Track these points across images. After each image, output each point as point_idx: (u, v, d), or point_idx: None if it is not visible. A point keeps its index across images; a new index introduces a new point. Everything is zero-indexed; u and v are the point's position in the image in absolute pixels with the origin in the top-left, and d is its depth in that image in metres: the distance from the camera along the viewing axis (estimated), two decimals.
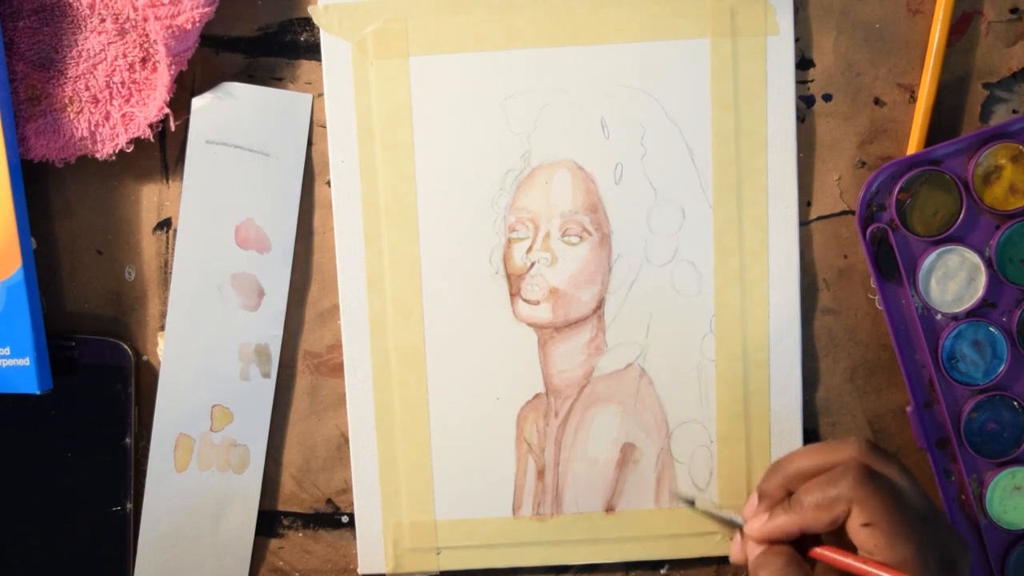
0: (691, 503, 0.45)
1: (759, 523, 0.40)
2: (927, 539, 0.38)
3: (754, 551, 0.41)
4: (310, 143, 0.47)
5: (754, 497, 0.41)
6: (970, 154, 0.46)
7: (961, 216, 0.46)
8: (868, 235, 0.46)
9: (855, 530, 0.38)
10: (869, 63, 0.47)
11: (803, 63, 0.47)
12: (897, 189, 0.46)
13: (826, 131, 0.47)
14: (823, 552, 0.39)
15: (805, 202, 0.47)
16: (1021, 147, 0.45)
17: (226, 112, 0.46)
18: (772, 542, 0.40)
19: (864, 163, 0.47)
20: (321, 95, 0.47)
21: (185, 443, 0.48)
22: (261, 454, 0.48)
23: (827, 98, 0.47)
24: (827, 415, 0.49)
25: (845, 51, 0.47)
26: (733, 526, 0.42)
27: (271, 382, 0.48)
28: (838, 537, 0.39)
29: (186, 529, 0.48)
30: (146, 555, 0.48)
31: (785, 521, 0.40)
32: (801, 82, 0.47)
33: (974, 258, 0.46)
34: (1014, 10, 0.47)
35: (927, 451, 0.47)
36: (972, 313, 0.46)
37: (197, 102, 0.46)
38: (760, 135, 0.47)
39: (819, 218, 0.48)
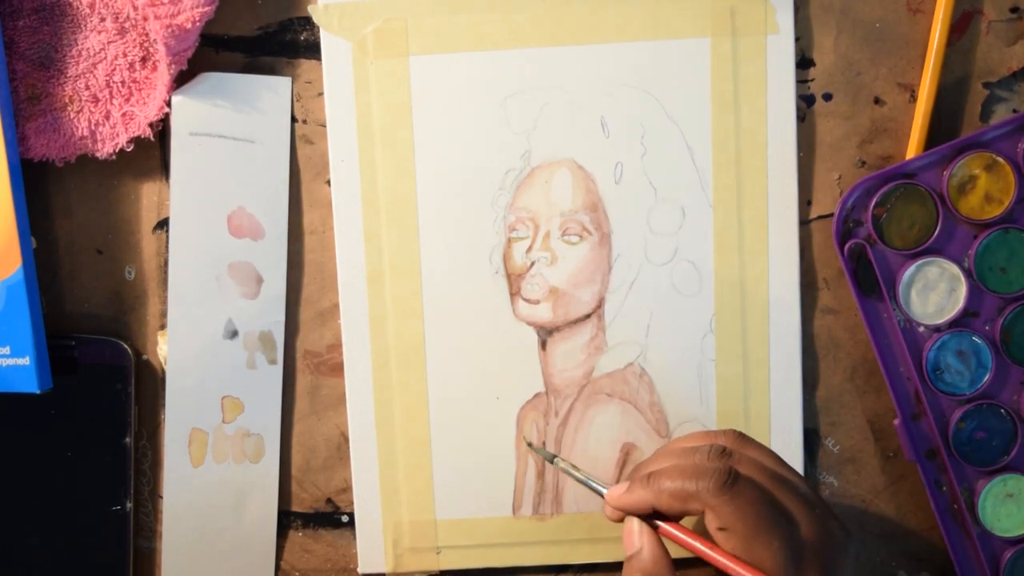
0: (551, 459, 0.46)
1: (617, 492, 0.41)
2: (787, 538, 0.38)
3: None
4: (294, 131, 0.47)
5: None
6: (944, 165, 0.46)
7: (938, 228, 0.46)
8: (846, 251, 0.46)
9: (712, 531, 0.39)
10: (869, 62, 0.47)
11: (803, 62, 0.47)
12: (872, 204, 0.46)
13: (826, 130, 0.47)
14: (671, 530, 0.41)
15: (805, 201, 0.47)
16: (994, 156, 0.45)
17: (207, 103, 0.46)
18: (627, 512, 0.41)
19: (864, 162, 0.47)
20: (321, 94, 0.47)
21: (199, 437, 0.48)
22: (275, 442, 0.48)
23: (827, 97, 0.47)
24: (827, 415, 0.48)
25: (845, 50, 0.47)
26: (595, 490, 0.43)
27: (278, 368, 0.48)
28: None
29: (209, 524, 0.48)
30: (171, 554, 0.48)
31: (639, 496, 0.40)
32: (801, 81, 0.47)
33: (953, 269, 0.46)
34: (1014, 9, 0.47)
35: (916, 463, 0.47)
36: (954, 324, 0.46)
37: (177, 96, 0.46)
38: (760, 134, 0.47)
39: (819, 217, 0.48)
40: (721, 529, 0.38)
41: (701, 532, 0.40)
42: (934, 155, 0.46)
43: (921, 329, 0.47)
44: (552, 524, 0.48)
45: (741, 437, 0.42)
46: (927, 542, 0.49)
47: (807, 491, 0.40)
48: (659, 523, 0.41)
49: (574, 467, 0.44)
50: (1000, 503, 0.47)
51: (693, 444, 0.41)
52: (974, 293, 0.46)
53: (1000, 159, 0.45)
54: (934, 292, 0.46)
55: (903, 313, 0.46)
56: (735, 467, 0.39)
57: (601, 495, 0.43)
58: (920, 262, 0.46)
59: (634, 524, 0.41)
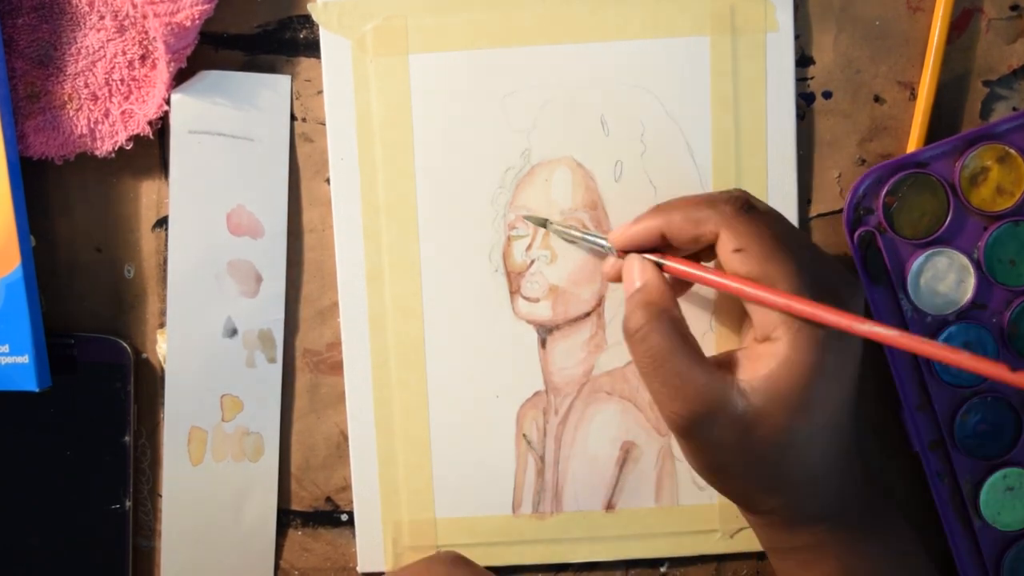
0: (543, 224, 0.45)
1: (622, 227, 0.41)
2: (804, 263, 0.37)
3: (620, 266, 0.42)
4: (293, 129, 0.47)
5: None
6: (956, 156, 0.46)
7: (948, 218, 0.46)
8: (856, 239, 0.46)
9: (727, 257, 0.38)
10: (869, 60, 0.47)
11: (803, 60, 0.47)
12: (884, 193, 0.46)
13: (826, 129, 0.47)
14: (676, 266, 0.40)
15: (805, 200, 0.47)
16: (1007, 148, 0.45)
17: (206, 101, 0.46)
18: (635, 249, 0.41)
19: (864, 161, 0.47)
20: (320, 92, 0.47)
21: (198, 436, 0.48)
22: (275, 441, 0.48)
23: (827, 95, 0.47)
24: None
25: (845, 48, 0.47)
26: (594, 246, 0.42)
27: (278, 367, 0.48)
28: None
29: (208, 523, 0.48)
30: (171, 553, 0.48)
31: (647, 224, 0.40)
32: (801, 79, 0.47)
33: (962, 260, 0.46)
34: (1014, 7, 0.47)
35: (920, 454, 0.47)
36: (962, 315, 0.46)
37: (176, 94, 0.46)
38: (760, 132, 0.47)
39: (819, 216, 0.48)
40: (737, 251, 0.37)
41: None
42: (946, 145, 0.46)
43: (928, 319, 0.46)
44: (552, 522, 0.48)
45: (748, 192, 0.41)
46: (927, 540, 0.49)
47: (808, 238, 0.40)
48: (663, 259, 0.40)
49: (570, 227, 0.44)
50: (1001, 497, 0.47)
51: (700, 195, 0.41)
52: (983, 285, 0.46)
53: (1013, 151, 0.45)
54: (943, 283, 0.46)
55: (911, 303, 0.46)
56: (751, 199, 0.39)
57: (602, 247, 0.42)
58: (929, 252, 0.46)
59: (635, 260, 0.40)
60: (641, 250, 0.41)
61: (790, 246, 0.37)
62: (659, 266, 0.41)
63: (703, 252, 0.41)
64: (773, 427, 0.37)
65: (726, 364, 0.39)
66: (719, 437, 0.38)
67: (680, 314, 0.39)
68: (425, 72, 0.46)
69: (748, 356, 0.39)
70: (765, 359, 0.37)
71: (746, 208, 0.38)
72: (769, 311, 0.37)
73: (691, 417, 0.38)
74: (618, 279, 0.42)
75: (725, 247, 0.38)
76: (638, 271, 0.40)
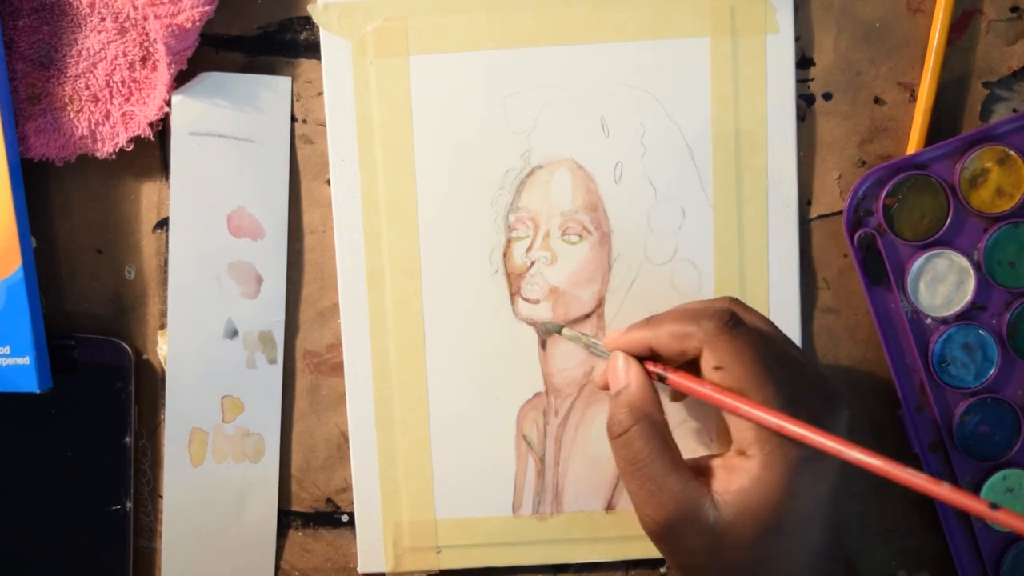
0: (558, 330, 0.46)
1: (615, 333, 0.42)
2: (782, 382, 0.38)
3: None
4: (293, 130, 0.47)
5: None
6: (956, 158, 0.46)
7: (948, 220, 0.46)
8: (856, 240, 0.46)
9: (708, 372, 0.39)
10: (869, 62, 0.47)
11: (803, 62, 0.47)
12: (884, 194, 0.46)
13: (826, 130, 0.47)
14: (658, 370, 0.41)
15: (805, 201, 0.47)
16: (1007, 150, 0.45)
17: (206, 102, 0.46)
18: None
19: (864, 162, 0.47)
20: (321, 94, 0.47)
21: (199, 437, 0.48)
22: (275, 442, 0.48)
23: (827, 97, 0.47)
24: None
25: (845, 50, 0.47)
26: (598, 353, 0.45)
27: (278, 368, 0.48)
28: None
29: (209, 523, 0.48)
30: (171, 554, 0.48)
31: (637, 336, 0.41)
32: (801, 81, 0.47)
33: (962, 261, 0.46)
34: (1014, 9, 0.47)
35: (919, 455, 0.47)
36: (961, 316, 0.46)
37: (176, 95, 0.46)
38: (760, 134, 0.47)
39: (819, 217, 0.48)
40: (717, 368, 0.38)
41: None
42: (946, 147, 0.46)
43: (928, 321, 0.47)
44: (552, 523, 0.48)
45: (740, 302, 0.42)
46: (927, 540, 0.49)
47: (801, 353, 0.41)
48: (648, 364, 0.41)
49: (582, 333, 0.46)
50: (1001, 498, 0.47)
51: (693, 306, 0.42)
52: (982, 287, 0.46)
53: (1013, 153, 0.45)
54: (942, 284, 0.46)
55: (911, 304, 0.46)
56: (737, 314, 0.39)
57: (605, 356, 0.43)
58: (929, 254, 0.46)
59: (619, 359, 0.41)
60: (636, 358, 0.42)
61: (770, 365, 0.38)
62: (649, 370, 0.41)
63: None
64: (742, 541, 0.37)
65: (704, 470, 0.39)
66: (690, 543, 0.38)
67: (662, 417, 0.40)
68: (425, 73, 0.46)
69: (725, 467, 0.39)
70: (739, 473, 0.38)
71: (730, 324, 0.39)
72: (746, 428, 0.38)
73: (664, 522, 0.38)
74: (606, 385, 0.42)
75: (707, 363, 0.39)
76: (622, 369, 0.41)
